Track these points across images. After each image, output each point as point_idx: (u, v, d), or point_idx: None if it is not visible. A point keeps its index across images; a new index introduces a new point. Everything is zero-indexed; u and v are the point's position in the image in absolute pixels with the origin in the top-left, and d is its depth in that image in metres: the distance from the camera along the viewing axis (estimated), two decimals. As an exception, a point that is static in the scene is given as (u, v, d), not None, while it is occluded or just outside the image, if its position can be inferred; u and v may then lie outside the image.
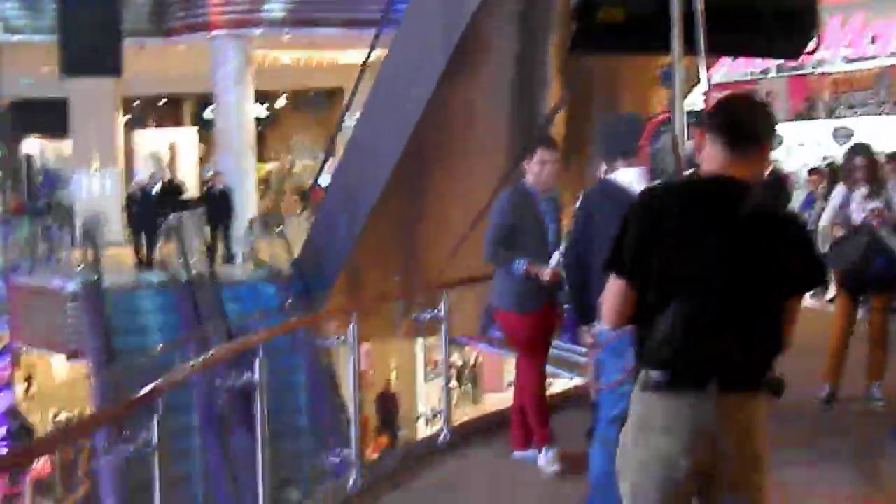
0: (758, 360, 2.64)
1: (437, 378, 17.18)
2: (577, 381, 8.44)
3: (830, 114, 18.72)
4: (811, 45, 3.32)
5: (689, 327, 2.56)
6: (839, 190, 6.54)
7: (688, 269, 2.59)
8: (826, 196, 10.82)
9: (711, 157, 2.68)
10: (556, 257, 5.14)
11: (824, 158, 16.38)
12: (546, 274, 5.15)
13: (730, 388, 2.57)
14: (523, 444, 5.55)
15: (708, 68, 3.39)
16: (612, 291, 2.68)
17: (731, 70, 20.20)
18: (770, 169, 13.27)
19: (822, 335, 6.58)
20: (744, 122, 2.68)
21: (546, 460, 5.38)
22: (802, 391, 6.32)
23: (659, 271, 2.59)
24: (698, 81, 3.52)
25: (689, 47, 3.10)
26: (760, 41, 3.33)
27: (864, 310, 6.71)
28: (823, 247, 10.48)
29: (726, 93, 2.84)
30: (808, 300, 10.88)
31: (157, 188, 17.25)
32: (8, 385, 17.00)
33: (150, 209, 16.63)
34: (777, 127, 2.80)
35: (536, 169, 5.24)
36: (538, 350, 5.44)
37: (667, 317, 2.56)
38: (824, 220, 6.50)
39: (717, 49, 3.39)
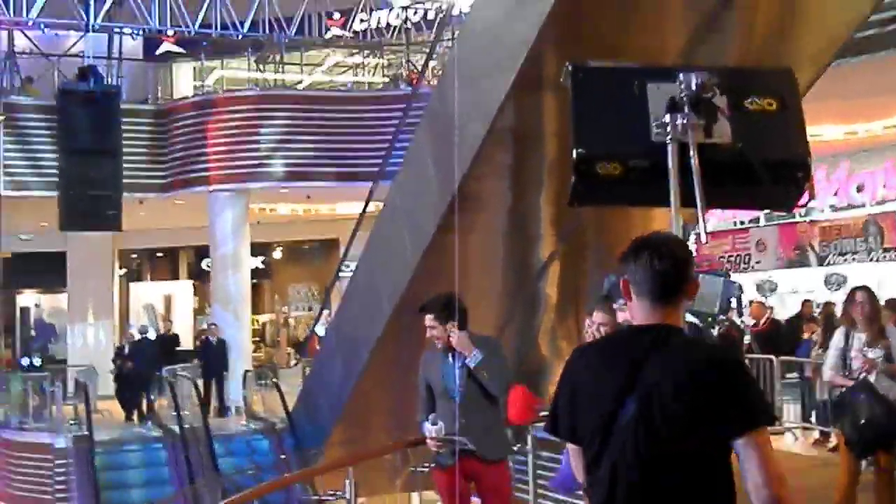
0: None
1: (434, 534, 16.77)
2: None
3: (822, 261, 18.93)
4: (804, 197, 3.39)
5: (610, 481, 2.50)
6: (839, 333, 6.52)
7: (587, 423, 2.56)
8: (822, 344, 10.82)
9: (633, 307, 2.65)
10: (426, 427, 5.24)
11: (817, 306, 16.47)
12: (428, 441, 5.27)
13: None
14: None
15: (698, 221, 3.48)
16: (572, 452, 2.71)
17: (721, 220, 20.54)
18: (766, 317, 13.36)
19: (829, 484, 6.45)
20: (659, 274, 2.59)
21: None
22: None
23: (582, 430, 2.59)
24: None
25: (686, 199, 3.17)
26: (754, 193, 3.40)
27: (868, 461, 6.60)
28: (822, 395, 10.44)
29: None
30: (803, 448, 10.70)
31: (147, 339, 17.24)
32: (-8, 546, 16.47)
33: (141, 363, 16.54)
34: (693, 263, 2.67)
35: (427, 334, 5.45)
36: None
37: (597, 472, 2.55)
38: (828, 366, 6.45)
39: (713, 201, 3.46)
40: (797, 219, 19.53)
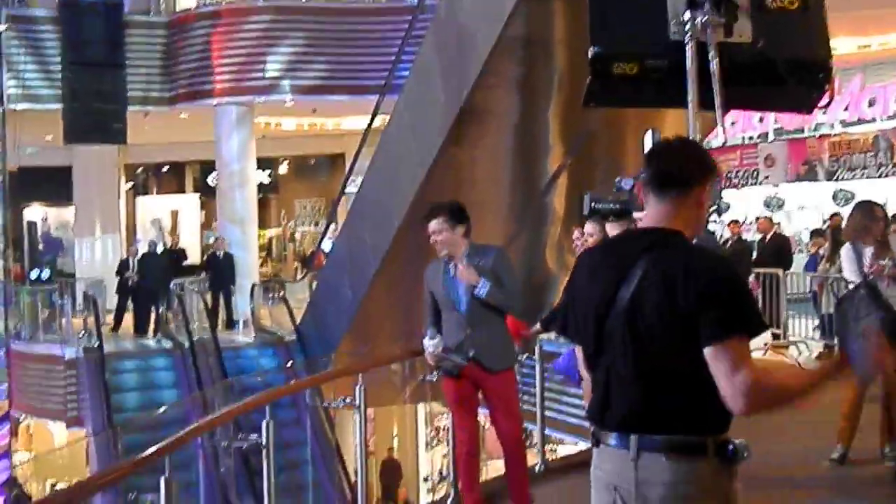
0: (683, 419, 2.43)
1: (439, 445, 17.04)
2: (582, 445, 8.33)
3: (830, 177, 18.82)
4: (824, 99, 3.31)
5: (605, 381, 2.53)
6: (848, 247, 6.48)
7: (585, 322, 2.58)
8: (830, 258, 10.83)
9: (646, 208, 2.64)
10: (426, 342, 5.21)
11: (825, 221, 16.43)
12: (427, 355, 5.25)
13: (649, 447, 2.44)
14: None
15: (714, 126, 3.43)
16: (576, 350, 2.74)
17: (730, 135, 20.37)
18: (772, 232, 13.35)
19: (835, 396, 6.50)
20: (665, 170, 2.58)
21: None
22: (816, 453, 6.26)
23: (580, 328, 2.62)
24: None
25: (704, 101, 3.11)
26: (774, 94, 3.32)
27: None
28: (828, 308, 10.46)
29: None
30: (807, 362, 10.80)
31: (154, 253, 17.27)
32: (6, 454, 16.81)
33: (149, 275, 16.59)
34: (706, 167, 2.61)
35: (431, 240, 5.31)
36: (462, 411, 5.38)
37: (595, 373, 2.58)
38: (851, 277, 6.40)
39: (732, 102, 3.38)
40: (806, 134, 19.38)
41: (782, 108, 4.66)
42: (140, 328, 16.51)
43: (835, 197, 18.35)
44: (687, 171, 2.58)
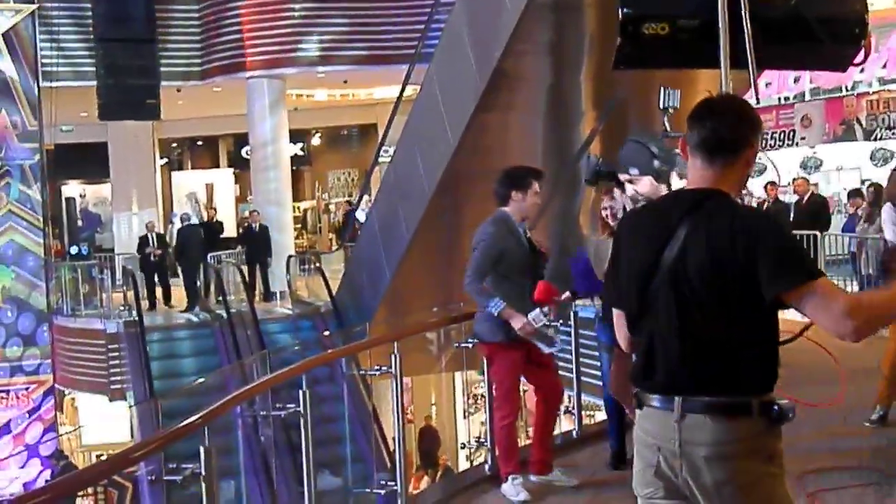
0: (728, 379, 2.42)
1: (478, 413, 17.12)
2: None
3: (868, 136, 18.54)
4: (860, 56, 3.22)
5: (648, 343, 2.50)
6: (889, 207, 6.41)
7: (628, 285, 2.54)
8: (869, 219, 10.70)
9: (690, 169, 2.57)
10: (536, 313, 5.18)
11: (863, 182, 16.21)
12: (521, 323, 5.18)
13: (695, 407, 2.42)
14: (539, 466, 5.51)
15: (750, 84, 3.35)
16: (615, 318, 2.69)
17: (765, 95, 20.11)
18: (809, 193, 13.20)
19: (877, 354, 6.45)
20: (716, 135, 2.50)
21: (514, 489, 5.30)
22: (858, 415, 6.22)
23: (624, 293, 2.58)
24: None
25: (736, 60, 3.05)
26: (808, 52, 3.23)
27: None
28: (868, 269, 10.36)
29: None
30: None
31: (190, 225, 17.38)
32: (52, 427, 17.14)
33: (186, 249, 16.72)
34: (756, 126, 2.55)
35: (532, 199, 5.28)
36: (518, 381, 5.40)
37: (637, 336, 2.56)
38: (891, 237, 6.36)
39: (765, 61, 3.31)
40: (843, 93, 19.08)
41: (817, 66, 4.54)
42: (189, 300, 16.59)
43: (872, 157, 18.09)
44: (738, 135, 2.51)
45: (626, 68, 3.34)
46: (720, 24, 3.03)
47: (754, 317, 2.40)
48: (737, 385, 2.42)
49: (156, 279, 17.05)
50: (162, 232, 18.32)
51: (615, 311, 2.67)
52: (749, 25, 3.01)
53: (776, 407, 2.42)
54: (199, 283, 16.83)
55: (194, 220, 18.16)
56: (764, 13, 3.08)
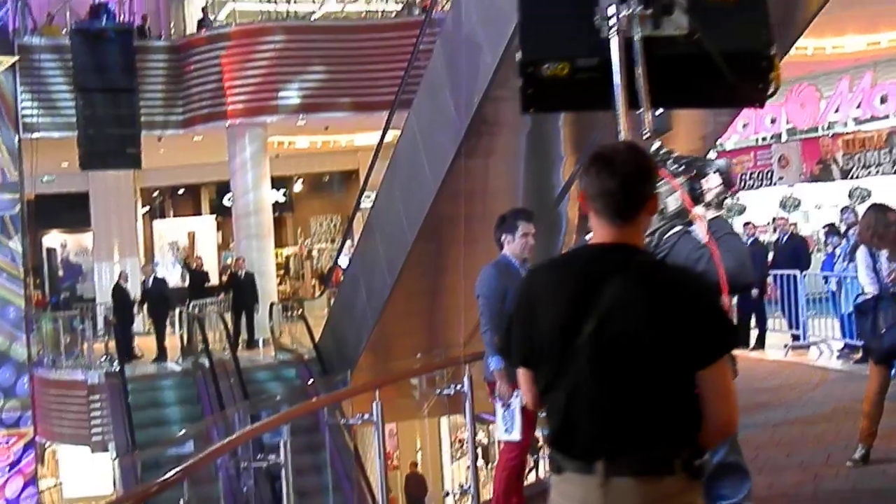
0: (653, 440, 2.33)
1: (464, 458, 17.03)
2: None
3: (845, 175, 18.75)
4: (771, 88, 3.10)
5: (567, 405, 2.37)
6: (863, 251, 6.45)
7: (543, 344, 2.41)
8: (847, 257, 10.76)
9: (593, 222, 2.46)
10: (518, 398, 5.10)
11: (841, 220, 16.35)
12: (502, 392, 5.17)
13: (619, 470, 2.33)
14: None
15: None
16: (519, 379, 2.57)
17: (743, 137, 20.34)
18: (789, 232, 13.29)
19: (857, 396, 6.48)
20: (611, 195, 2.39)
21: None
22: (841, 453, 6.23)
23: (537, 352, 2.45)
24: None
25: (636, 101, 2.90)
26: (715, 90, 3.08)
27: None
28: (847, 308, 10.40)
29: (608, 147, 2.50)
30: (828, 361, 10.71)
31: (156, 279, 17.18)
32: (32, 481, 16.92)
33: (157, 300, 16.58)
34: (653, 174, 2.46)
35: (521, 242, 5.35)
36: (525, 423, 5.35)
37: (552, 396, 2.42)
38: (867, 286, 6.38)
39: (669, 100, 3.18)
40: (819, 133, 19.33)
41: (725, 104, 4.44)
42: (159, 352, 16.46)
43: (850, 195, 18.26)
44: (641, 191, 2.42)
45: (535, 112, 3.21)
46: (614, 63, 2.90)
47: (681, 376, 2.33)
48: (661, 442, 2.34)
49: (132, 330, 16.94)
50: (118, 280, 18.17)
51: (522, 370, 2.53)
52: (643, 63, 2.88)
53: (698, 461, 2.37)
54: (169, 335, 16.72)
55: (175, 271, 18.07)
56: (664, 51, 2.95)
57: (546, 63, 2.93)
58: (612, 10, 2.89)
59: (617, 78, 2.85)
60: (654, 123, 3.45)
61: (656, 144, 3.27)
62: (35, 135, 17.36)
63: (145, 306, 16.97)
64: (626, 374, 2.33)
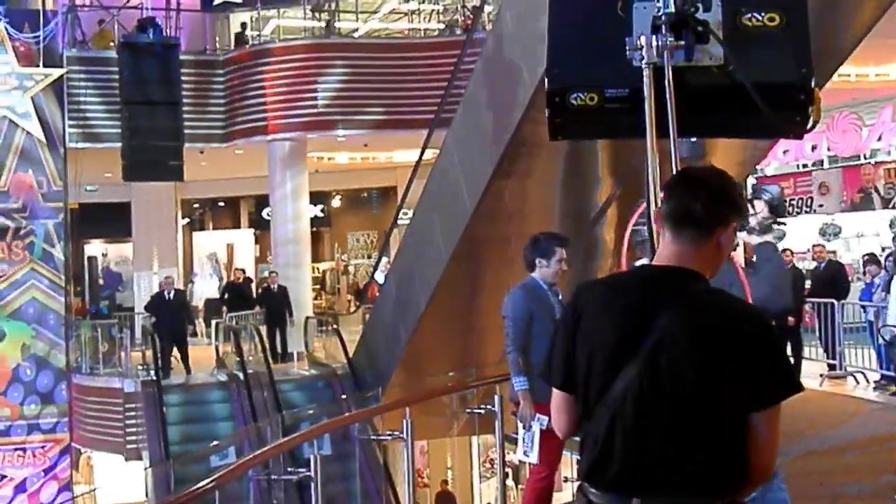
0: (694, 482, 2.20)
1: (493, 477, 16.98)
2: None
3: (886, 204, 18.54)
4: (811, 121, 3.04)
5: (606, 436, 2.24)
6: None
7: (587, 368, 2.30)
8: (886, 287, 10.67)
9: (661, 245, 2.37)
10: (543, 420, 5.08)
11: (883, 249, 16.17)
12: (526, 412, 5.20)
13: None
14: None
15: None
16: (553, 401, 2.46)
17: (783, 163, 20.21)
18: (827, 260, 13.19)
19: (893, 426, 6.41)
20: (685, 206, 2.31)
21: None
22: (873, 486, 6.16)
23: (580, 375, 2.32)
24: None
25: (665, 130, 2.83)
26: (749, 121, 2.98)
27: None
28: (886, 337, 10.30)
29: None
30: (864, 392, 10.59)
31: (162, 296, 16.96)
32: (67, 486, 17.12)
33: (170, 314, 16.32)
34: (739, 204, 2.36)
35: (556, 266, 5.38)
36: (554, 444, 5.34)
37: (590, 426, 2.29)
38: (892, 314, 6.35)
39: (702, 131, 3.15)
40: (861, 161, 19.15)
41: (759, 135, 4.32)
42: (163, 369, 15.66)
43: (892, 225, 18.06)
44: (711, 210, 2.31)
45: (563, 139, 3.20)
46: (645, 94, 2.84)
47: (732, 419, 2.21)
48: (703, 487, 2.21)
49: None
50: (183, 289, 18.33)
51: (558, 393, 2.42)
52: (672, 92, 2.81)
53: None
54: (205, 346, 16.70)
55: (213, 282, 18.14)
56: (697, 80, 2.89)
57: (574, 93, 2.93)
58: (643, 39, 2.84)
59: (647, 109, 2.84)
60: (688, 150, 3.45)
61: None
62: (80, 145, 17.66)
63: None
64: (676, 407, 2.20)
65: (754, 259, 3.82)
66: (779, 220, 3.95)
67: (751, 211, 3.70)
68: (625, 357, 2.24)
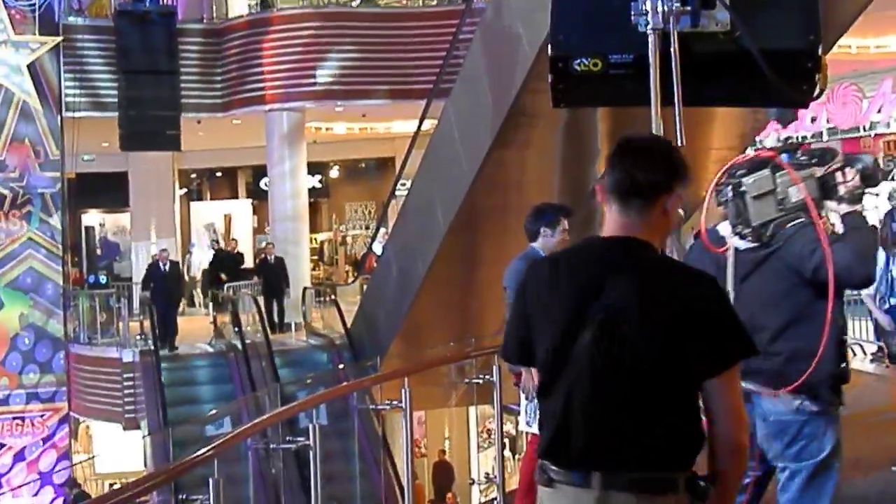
0: (654, 454, 2.18)
1: (491, 448, 17.08)
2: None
3: (886, 176, 18.50)
4: (817, 89, 2.98)
5: (563, 412, 2.22)
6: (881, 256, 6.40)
7: (539, 345, 2.29)
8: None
9: (607, 217, 2.33)
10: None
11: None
12: (526, 382, 5.06)
13: (618, 484, 2.18)
14: None
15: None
16: (525, 373, 2.52)
17: (782, 133, 20.13)
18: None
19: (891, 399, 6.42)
20: (631, 177, 2.29)
21: None
22: (870, 457, 6.19)
23: (537, 352, 2.32)
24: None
25: (671, 98, 2.78)
26: (755, 89, 2.93)
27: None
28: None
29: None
30: (861, 364, 10.63)
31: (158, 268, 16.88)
32: (65, 455, 17.19)
33: (164, 284, 16.34)
34: (682, 170, 2.31)
35: (560, 236, 5.34)
36: None
37: (547, 403, 2.29)
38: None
39: (707, 99, 3.09)
40: (861, 133, 19.08)
41: (765, 103, 4.26)
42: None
43: (891, 197, 18.03)
44: (652, 180, 2.29)
45: (565, 106, 3.15)
46: (650, 60, 2.79)
47: (686, 387, 2.21)
48: (663, 459, 2.20)
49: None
50: (178, 261, 18.30)
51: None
52: (678, 60, 2.76)
53: (701, 482, 2.22)
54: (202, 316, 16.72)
55: (207, 253, 17.95)
56: (703, 47, 2.84)
57: (577, 59, 2.88)
58: (649, 4, 2.80)
59: (653, 75, 2.79)
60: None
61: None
62: (77, 114, 17.58)
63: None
64: (631, 377, 2.19)
65: (841, 228, 3.74)
66: (868, 190, 3.84)
67: (840, 179, 3.64)
68: (578, 330, 2.22)
